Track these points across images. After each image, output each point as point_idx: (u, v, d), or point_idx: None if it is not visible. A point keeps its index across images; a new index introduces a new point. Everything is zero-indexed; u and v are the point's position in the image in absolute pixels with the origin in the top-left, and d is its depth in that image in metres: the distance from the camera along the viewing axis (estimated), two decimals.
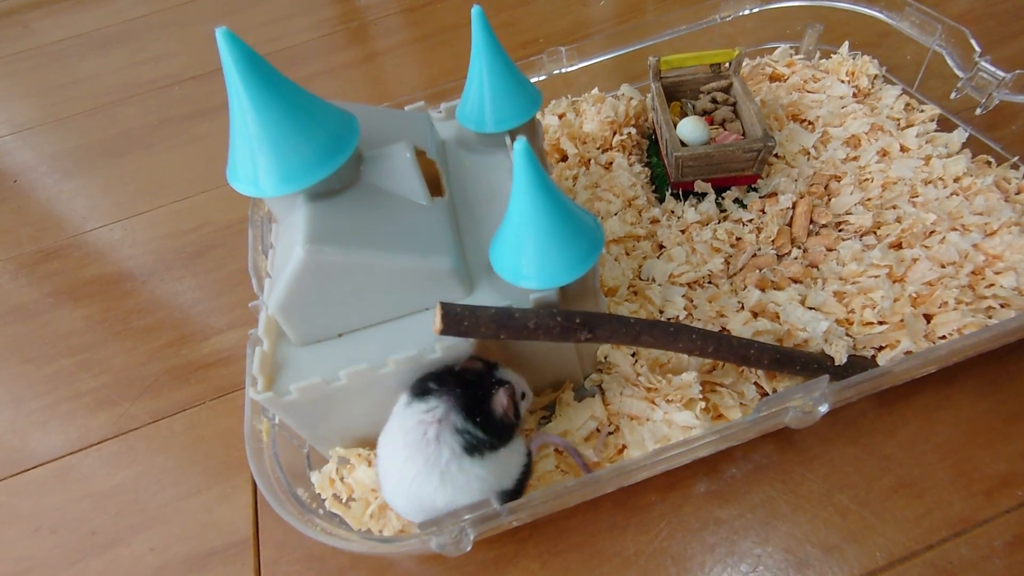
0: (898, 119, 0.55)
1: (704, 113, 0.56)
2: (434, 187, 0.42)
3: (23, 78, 1.04)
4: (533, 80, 0.61)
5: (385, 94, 0.86)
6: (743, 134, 0.53)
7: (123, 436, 0.53)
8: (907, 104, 0.56)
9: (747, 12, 0.63)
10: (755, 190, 0.53)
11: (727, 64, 0.56)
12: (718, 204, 0.53)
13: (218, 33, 0.30)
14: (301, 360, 0.37)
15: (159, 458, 0.51)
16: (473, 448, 0.33)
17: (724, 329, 0.43)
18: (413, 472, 0.33)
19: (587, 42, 0.61)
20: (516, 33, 0.89)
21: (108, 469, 0.51)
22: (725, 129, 0.54)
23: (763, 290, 0.45)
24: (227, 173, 0.35)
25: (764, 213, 0.51)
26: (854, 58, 0.60)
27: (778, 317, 0.42)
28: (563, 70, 0.61)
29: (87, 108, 0.94)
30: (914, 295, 0.41)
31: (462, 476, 0.33)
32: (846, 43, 0.61)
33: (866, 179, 0.51)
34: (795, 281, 0.46)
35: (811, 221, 0.50)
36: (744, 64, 0.64)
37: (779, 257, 0.49)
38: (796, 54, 0.65)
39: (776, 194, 0.52)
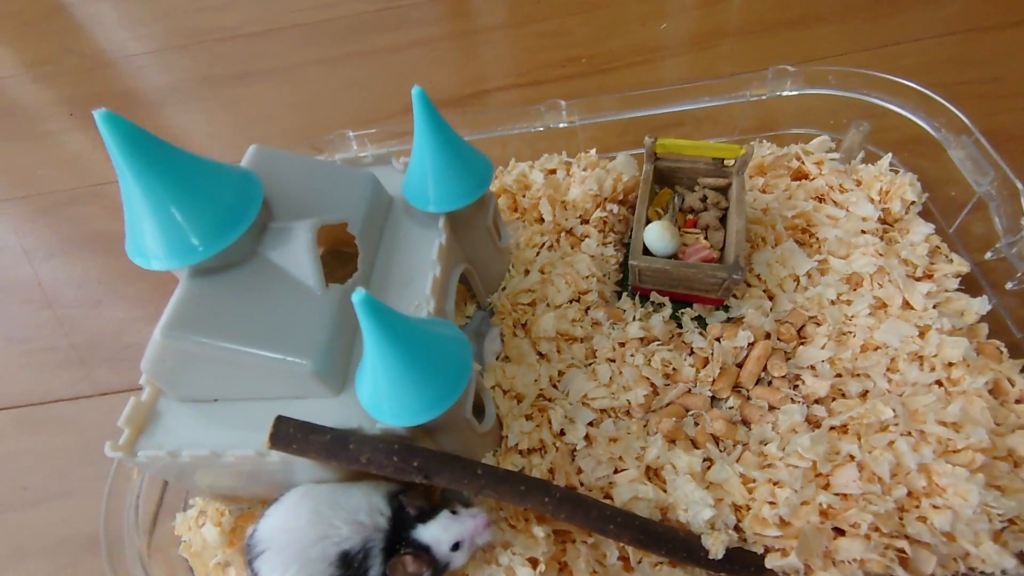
0: (916, 265, 0.47)
1: (691, 211, 0.50)
2: (351, 263, 0.41)
3: (110, 6, 1.10)
4: (527, 130, 0.57)
5: (474, 77, 0.82)
6: (722, 250, 0.47)
7: (75, 401, 0.58)
8: (935, 247, 0.48)
9: (787, 94, 0.54)
10: (726, 308, 0.48)
11: (732, 161, 0.49)
12: (675, 319, 0.48)
13: (97, 116, 0.30)
14: (177, 416, 0.38)
15: (93, 433, 0.55)
16: None
17: (612, 479, 0.40)
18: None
19: (595, 99, 0.56)
20: (560, 47, 0.83)
21: (55, 430, 0.56)
22: (706, 238, 0.48)
23: (673, 442, 0.41)
24: (126, 244, 0.35)
25: (719, 343, 0.46)
26: (896, 174, 0.51)
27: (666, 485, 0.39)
28: (560, 125, 0.56)
29: (147, 50, 0.98)
30: (825, 506, 0.36)
31: None
32: (888, 156, 0.52)
33: (848, 332, 0.45)
34: (716, 439, 0.42)
35: (764, 368, 0.44)
36: (768, 151, 0.56)
37: (714, 400, 0.44)
38: (836, 150, 0.56)
39: (742, 321, 0.46)
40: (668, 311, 0.48)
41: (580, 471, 0.41)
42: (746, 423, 0.43)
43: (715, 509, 0.36)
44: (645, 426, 0.43)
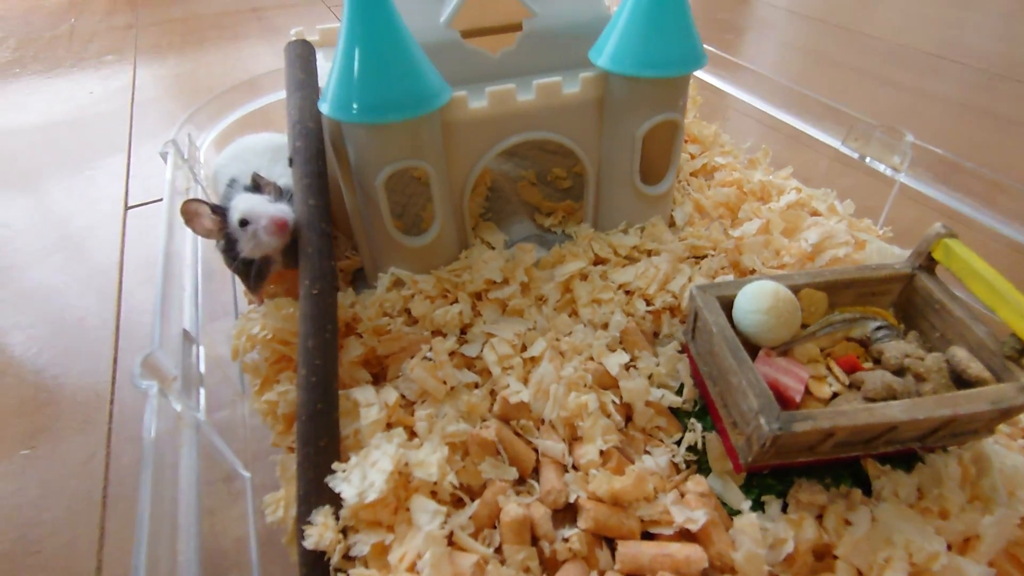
0: None
1: (876, 360, 0.28)
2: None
3: None
4: (836, 143, 0.40)
5: None
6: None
7: None
8: None
9: None
10: (752, 494, 0.26)
11: None
12: (680, 420, 0.29)
13: None
14: None
15: None
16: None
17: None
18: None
19: (966, 165, 0.34)
20: None
21: None
22: (836, 394, 0.26)
23: (464, 453, 0.27)
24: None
25: (669, 496, 0.26)
26: None
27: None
28: (879, 165, 0.37)
29: None
30: None
31: None
32: None
33: None
34: (491, 525, 0.25)
35: None
36: None
37: (570, 510, 0.26)
38: None
39: (727, 527, 0.25)
40: (687, 404, 0.29)
41: (400, 373, 0.32)
42: (548, 567, 0.25)
43: (356, 501, 0.23)
44: (480, 415, 0.29)
